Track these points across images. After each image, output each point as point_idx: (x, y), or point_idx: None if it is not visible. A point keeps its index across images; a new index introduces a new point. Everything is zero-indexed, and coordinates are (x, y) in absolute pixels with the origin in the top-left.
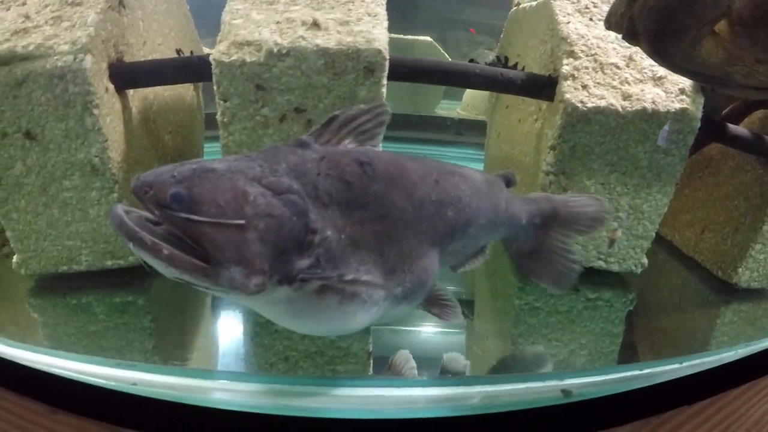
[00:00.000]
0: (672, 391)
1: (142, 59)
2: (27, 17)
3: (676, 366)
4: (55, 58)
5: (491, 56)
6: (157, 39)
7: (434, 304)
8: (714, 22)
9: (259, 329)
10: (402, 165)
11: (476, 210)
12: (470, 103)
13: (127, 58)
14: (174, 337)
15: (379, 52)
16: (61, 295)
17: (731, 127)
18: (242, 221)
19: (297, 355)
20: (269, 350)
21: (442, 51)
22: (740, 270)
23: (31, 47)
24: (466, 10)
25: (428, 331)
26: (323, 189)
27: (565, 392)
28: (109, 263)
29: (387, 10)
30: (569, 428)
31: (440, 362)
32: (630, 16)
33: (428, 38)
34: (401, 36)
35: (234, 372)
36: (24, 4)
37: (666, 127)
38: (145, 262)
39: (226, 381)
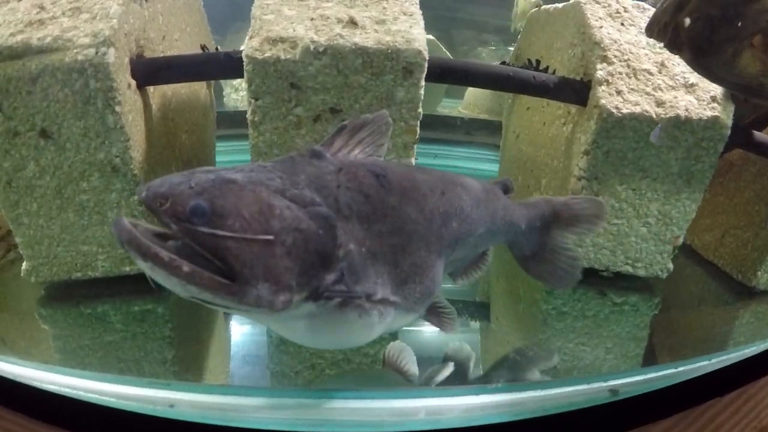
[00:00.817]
0: (704, 385)
1: (161, 55)
2: (42, 8)
3: (706, 362)
4: (75, 51)
5: (484, 53)
6: (174, 34)
7: (433, 314)
8: (754, 35)
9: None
10: (413, 177)
11: (477, 220)
12: (472, 101)
13: (147, 54)
14: (196, 346)
15: (419, 52)
16: (74, 305)
17: (757, 134)
18: (270, 236)
19: (324, 362)
20: (295, 358)
21: (444, 49)
22: (759, 273)
23: (48, 39)
24: (469, 8)
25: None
26: (344, 202)
27: (613, 391)
28: (127, 269)
29: None
30: (620, 424)
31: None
32: (674, 26)
33: (430, 36)
34: None
35: (289, 389)
36: None
37: (658, 127)
38: (152, 279)
39: (277, 398)
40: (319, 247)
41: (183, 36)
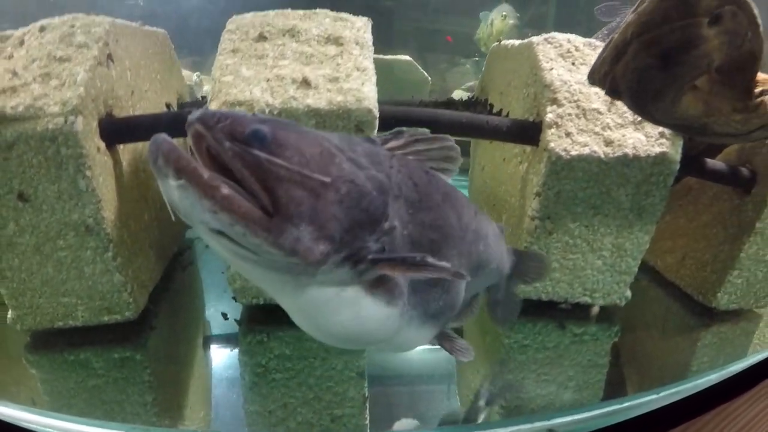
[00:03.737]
0: (650, 422)
1: (131, 110)
2: (14, 74)
3: (654, 396)
4: (46, 120)
5: (467, 65)
6: (144, 85)
7: (446, 339)
8: (693, 80)
9: (256, 378)
10: (453, 188)
11: (493, 252)
12: None
13: (116, 111)
14: (173, 390)
15: (370, 111)
16: (58, 351)
17: (709, 162)
18: (327, 179)
19: (295, 401)
20: (267, 398)
21: (421, 69)
22: (719, 295)
23: (21, 108)
24: (444, 20)
25: (421, 376)
26: (395, 181)
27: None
28: (105, 318)
29: None
30: None
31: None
32: (612, 75)
33: (407, 57)
34: (380, 56)
35: None
36: (11, 57)
37: None
38: (173, 210)
39: None
40: (371, 207)
41: (153, 85)
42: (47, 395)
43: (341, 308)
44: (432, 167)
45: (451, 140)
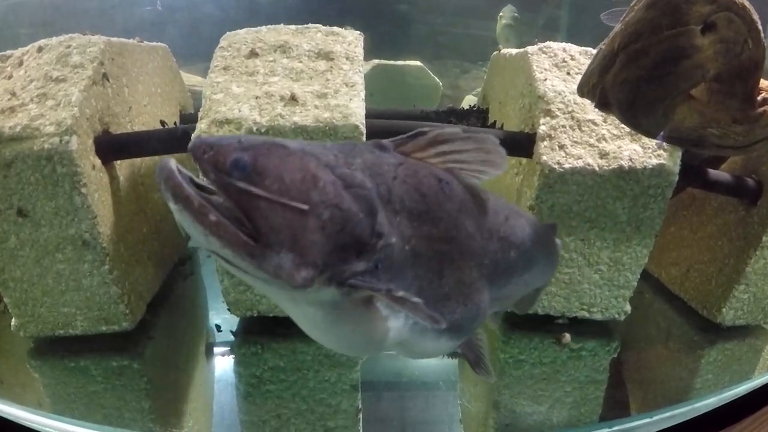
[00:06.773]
0: None
1: (129, 125)
2: (13, 94)
3: (647, 420)
4: (42, 140)
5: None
6: (143, 101)
7: (472, 350)
8: (686, 92)
9: (251, 389)
10: (479, 194)
11: (536, 256)
12: None
13: (113, 128)
14: (169, 397)
15: (356, 127)
16: (59, 358)
17: (711, 172)
18: (306, 206)
19: (288, 412)
20: (261, 408)
21: (433, 75)
22: (724, 310)
23: (18, 128)
24: (462, 23)
25: (416, 388)
26: (396, 194)
27: None
28: (103, 328)
29: (377, 33)
30: None
31: None
32: (602, 87)
33: (418, 63)
34: (391, 62)
35: None
36: (10, 77)
37: None
38: (183, 229)
39: None
40: (356, 230)
41: (153, 98)
42: (49, 398)
43: (339, 321)
44: (463, 169)
45: (493, 140)
